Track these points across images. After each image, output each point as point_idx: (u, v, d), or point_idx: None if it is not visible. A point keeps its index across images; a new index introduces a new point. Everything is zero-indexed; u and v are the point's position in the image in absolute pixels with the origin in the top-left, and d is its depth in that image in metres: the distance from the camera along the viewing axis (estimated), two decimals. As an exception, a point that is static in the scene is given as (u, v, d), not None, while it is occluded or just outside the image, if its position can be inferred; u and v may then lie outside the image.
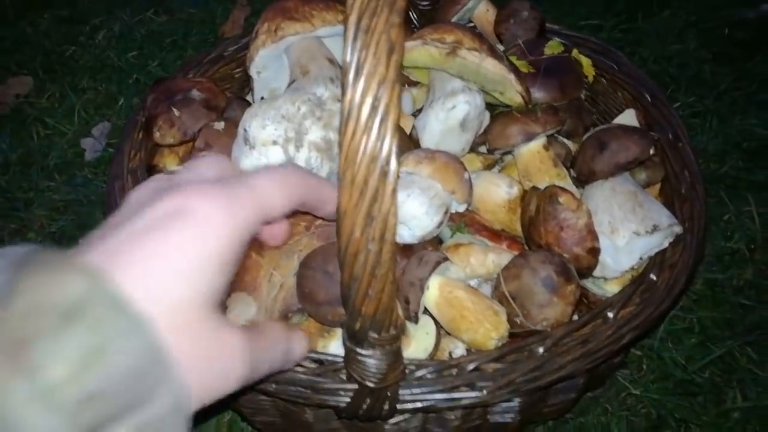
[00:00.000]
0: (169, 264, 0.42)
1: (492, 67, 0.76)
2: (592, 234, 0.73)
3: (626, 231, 0.75)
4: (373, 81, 0.49)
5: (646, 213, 0.75)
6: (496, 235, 0.80)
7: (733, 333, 1.15)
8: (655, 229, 0.75)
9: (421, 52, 0.77)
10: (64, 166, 1.47)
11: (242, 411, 0.85)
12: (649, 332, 1.08)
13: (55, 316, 0.36)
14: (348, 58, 0.49)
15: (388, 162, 0.50)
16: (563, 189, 0.74)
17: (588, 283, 0.82)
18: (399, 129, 0.50)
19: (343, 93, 0.49)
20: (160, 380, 0.38)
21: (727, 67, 1.55)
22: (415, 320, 0.74)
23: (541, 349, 0.71)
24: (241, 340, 0.48)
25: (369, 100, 0.49)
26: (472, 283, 0.77)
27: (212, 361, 0.45)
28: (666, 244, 0.76)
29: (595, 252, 0.74)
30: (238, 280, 0.73)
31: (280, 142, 0.73)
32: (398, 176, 0.51)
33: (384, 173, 0.50)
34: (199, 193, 0.46)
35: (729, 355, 1.14)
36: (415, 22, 1.02)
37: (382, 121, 0.49)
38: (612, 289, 0.80)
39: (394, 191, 0.51)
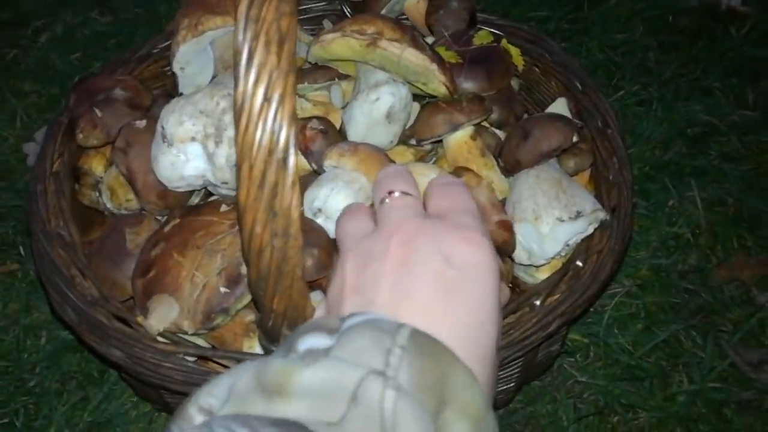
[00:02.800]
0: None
1: (413, 57, 0.76)
2: (496, 207, 0.73)
3: (549, 217, 0.75)
4: (264, 72, 0.48)
5: (569, 199, 0.75)
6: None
7: (678, 317, 1.16)
8: (578, 215, 0.75)
9: (340, 44, 0.76)
10: (6, 171, 1.44)
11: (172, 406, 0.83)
12: (580, 318, 1.09)
13: (453, 412, 0.37)
14: (238, 49, 0.48)
15: (285, 154, 0.49)
16: (466, 169, 0.74)
17: (520, 272, 0.82)
18: (296, 120, 0.49)
19: (236, 85, 0.48)
20: None
21: (672, 55, 1.56)
22: None
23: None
24: None
25: (261, 92, 0.48)
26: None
27: None
28: (591, 230, 0.76)
29: (504, 225, 0.73)
30: (159, 282, 0.71)
31: (198, 138, 0.71)
32: (297, 168, 0.50)
33: (282, 166, 0.49)
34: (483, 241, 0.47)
35: (674, 340, 1.15)
36: (349, 15, 1.01)
37: (277, 112, 0.48)
38: (543, 276, 0.80)
39: (295, 184, 0.50)
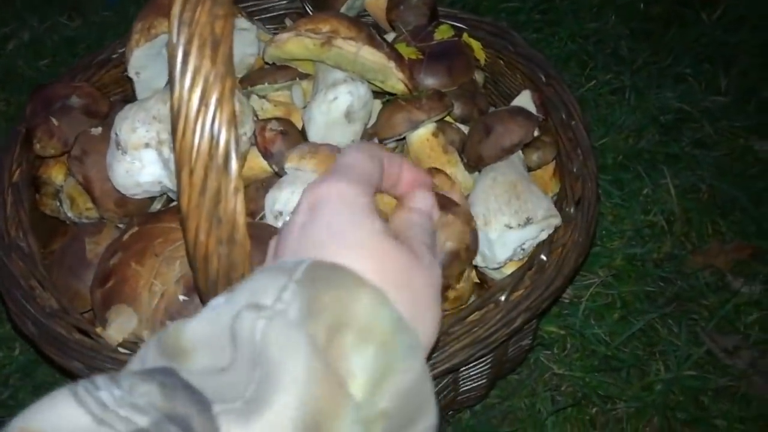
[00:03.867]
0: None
1: (370, 55, 0.75)
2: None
3: (498, 224, 0.74)
4: (199, 76, 0.47)
5: (521, 205, 0.74)
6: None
7: (654, 306, 1.16)
8: (528, 221, 0.74)
9: (295, 43, 0.75)
10: (-25, 182, 1.41)
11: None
12: (549, 311, 1.09)
13: (355, 335, 0.36)
14: (172, 53, 0.47)
15: (226, 159, 0.48)
16: (437, 170, 0.74)
17: (487, 270, 0.81)
18: (234, 123, 0.48)
19: (171, 90, 0.47)
20: (426, 401, 0.39)
21: (644, 42, 1.56)
22: None
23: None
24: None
25: (197, 96, 0.47)
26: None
27: None
28: (544, 236, 0.76)
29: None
30: (117, 292, 0.70)
31: (152, 144, 0.70)
32: (238, 174, 0.49)
33: (224, 171, 0.48)
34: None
35: (650, 328, 1.14)
36: (311, 13, 1.00)
37: (214, 116, 0.47)
38: (509, 272, 0.79)
39: (238, 189, 0.49)
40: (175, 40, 0.47)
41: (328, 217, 0.45)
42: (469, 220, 0.71)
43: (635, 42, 1.56)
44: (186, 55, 0.47)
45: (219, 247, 0.50)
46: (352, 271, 0.40)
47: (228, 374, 0.35)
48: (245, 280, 0.41)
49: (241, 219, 0.51)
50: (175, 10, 0.47)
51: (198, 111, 0.47)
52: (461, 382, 0.84)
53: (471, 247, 0.70)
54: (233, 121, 0.48)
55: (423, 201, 0.54)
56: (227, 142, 0.48)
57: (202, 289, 0.53)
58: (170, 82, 0.47)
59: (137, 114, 0.71)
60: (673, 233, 1.24)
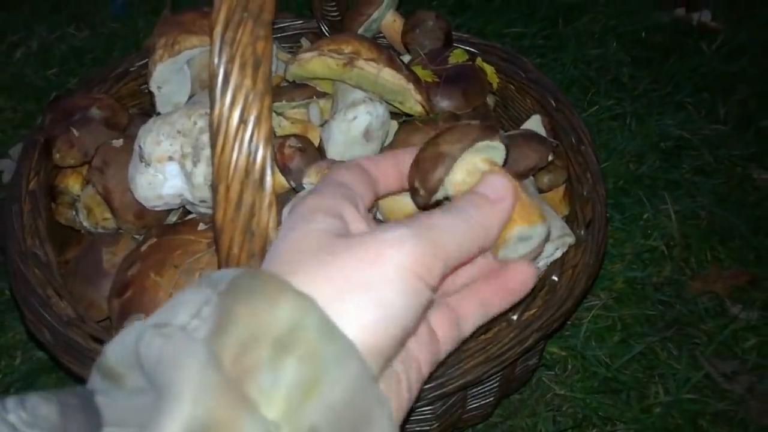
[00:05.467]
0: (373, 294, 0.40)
1: (390, 77, 0.77)
2: None
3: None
4: (240, 94, 0.48)
5: None
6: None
7: (654, 329, 1.17)
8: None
9: (318, 63, 0.77)
10: (-20, 188, 1.42)
11: None
12: (558, 332, 1.10)
13: (269, 348, 0.34)
14: (214, 72, 0.48)
15: (262, 175, 0.50)
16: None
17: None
18: (271, 141, 0.49)
19: (211, 107, 0.48)
20: (370, 411, 0.36)
21: (645, 70, 1.59)
22: None
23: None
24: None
25: (237, 113, 0.48)
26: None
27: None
28: (559, 254, 0.77)
29: None
30: (136, 302, 0.71)
31: (176, 157, 0.72)
32: (274, 189, 0.50)
33: (259, 186, 0.50)
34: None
35: (650, 351, 1.16)
36: (326, 33, 1.02)
37: (253, 133, 0.49)
38: (520, 292, 0.80)
39: (272, 205, 0.51)
40: (216, 59, 0.49)
41: (285, 230, 0.45)
42: None
43: (636, 69, 1.60)
44: (227, 73, 0.48)
45: (251, 260, 0.52)
46: (277, 277, 0.37)
47: (138, 397, 0.34)
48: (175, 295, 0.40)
49: (274, 233, 0.52)
50: (218, 29, 0.49)
51: (237, 128, 0.48)
52: (469, 400, 0.85)
53: None
54: (270, 139, 0.50)
55: (489, 187, 0.49)
56: (264, 159, 0.49)
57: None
58: (210, 99, 0.48)
59: (162, 127, 0.72)
60: (672, 258, 1.26)
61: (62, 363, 0.72)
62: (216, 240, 0.51)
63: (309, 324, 0.35)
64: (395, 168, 0.55)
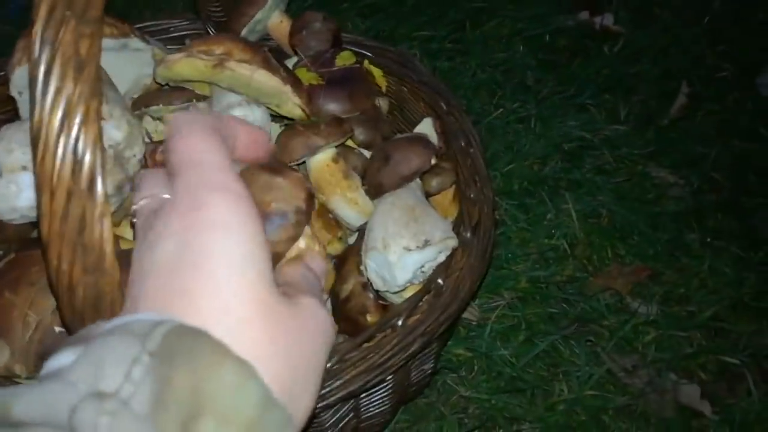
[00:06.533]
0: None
1: (265, 79, 0.74)
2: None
3: (397, 246, 0.75)
4: (60, 97, 0.45)
5: (419, 228, 0.75)
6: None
7: (557, 327, 1.19)
8: (426, 243, 0.75)
9: (185, 64, 0.74)
10: None
11: None
12: (452, 335, 1.09)
13: (214, 423, 0.32)
14: (32, 74, 0.45)
15: (91, 183, 0.46)
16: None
17: (388, 294, 0.81)
18: (99, 146, 0.46)
19: (31, 111, 0.45)
20: None
21: (550, 73, 1.62)
22: None
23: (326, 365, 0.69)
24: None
25: (58, 118, 0.45)
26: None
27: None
28: (442, 258, 0.77)
29: None
30: (-11, 322, 0.66)
31: (30, 167, 0.67)
32: (106, 198, 0.47)
33: (88, 196, 0.46)
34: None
35: (554, 349, 1.17)
36: (212, 34, 0.99)
37: (77, 138, 0.45)
38: (408, 295, 0.79)
39: (104, 215, 0.47)
40: (36, 58, 0.45)
41: (203, 249, 0.40)
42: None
43: (541, 72, 1.62)
44: (47, 75, 0.45)
45: (85, 276, 0.48)
46: (216, 340, 0.35)
47: None
48: (92, 343, 0.35)
49: (109, 246, 0.48)
50: (38, 27, 0.45)
51: (59, 133, 0.45)
52: (362, 409, 0.83)
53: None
54: (98, 144, 0.46)
55: (318, 264, 0.54)
56: (92, 166, 0.46)
57: (67, 321, 0.50)
58: (30, 102, 0.45)
59: (15, 135, 0.68)
60: (575, 256, 1.28)
61: None
62: (43, 255, 0.47)
63: (250, 394, 0.34)
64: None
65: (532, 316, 1.20)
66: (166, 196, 0.46)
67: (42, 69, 0.45)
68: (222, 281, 0.39)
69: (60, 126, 0.45)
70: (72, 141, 0.45)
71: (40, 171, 0.45)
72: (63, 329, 0.66)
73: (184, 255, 0.41)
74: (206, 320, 0.37)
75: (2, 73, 0.92)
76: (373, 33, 1.70)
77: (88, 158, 0.46)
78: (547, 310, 1.20)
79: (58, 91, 0.45)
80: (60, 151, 0.45)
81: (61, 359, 0.35)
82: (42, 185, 0.45)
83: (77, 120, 0.45)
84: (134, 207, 0.47)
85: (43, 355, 0.66)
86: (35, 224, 0.78)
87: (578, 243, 1.30)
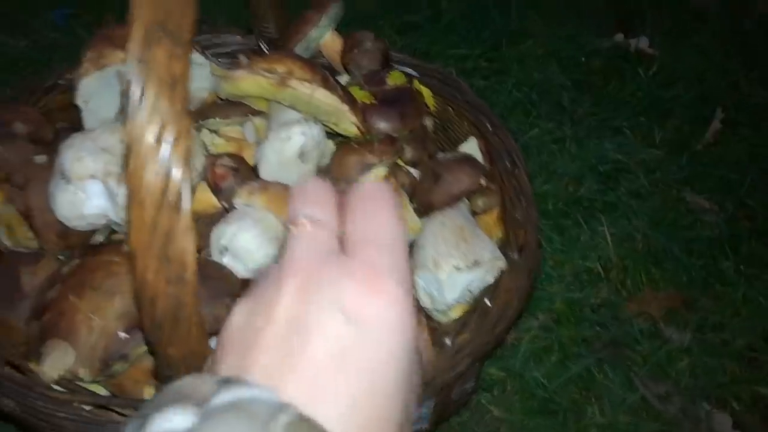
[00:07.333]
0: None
1: (324, 98, 0.76)
2: None
3: (447, 265, 0.76)
4: (155, 114, 0.47)
5: (469, 248, 0.77)
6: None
7: (591, 350, 1.19)
8: (476, 264, 0.76)
9: (249, 82, 0.76)
10: None
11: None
12: (490, 355, 1.10)
13: None
14: (128, 91, 0.47)
15: (178, 198, 0.48)
16: None
17: (435, 312, 0.82)
18: (189, 163, 0.48)
19: (125, 126, 0.47)
20: None
21: (585, 94, 1.63)
22: None
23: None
24: None
25: (152, 133, 0.47)
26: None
27: None
28: (490, 279, 0.78)
29: None
30: (54, 326, 0.68)
31: (99, 175, 0.69)
32: (190, 213, 0.49)
33: (175, 210, 0.48)
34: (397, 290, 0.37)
35: (587, 373, 1.17)
36: (265, 51, 1.01)
37: (169, 155, 0.47)
38: (454, 314, 0.80)
39: (189, 229, 0.49)
40: (131, 77, 0.47)
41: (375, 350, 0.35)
42: None
43: (576, 93, 1.63)
44: (142, 93, 0.47)
45: (167, 286, 0.50)
46: None
47: None
48: (209, 420, 0.31)
49: (191, 258, 0.50)
50: (134, 47, 0.47)
51: (152, 149, 0.47)
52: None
53: None
54: (188, 161, 0.48)
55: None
56: (181, 182, 0.48)
57: (147, 329, 0.52)
58: (124, 118, 0.47)
59: (84, 143, 0.70)
60: (609, 279, 1.29)
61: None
62: (130, 265, 0.49)
63: None
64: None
65: (565, 338, 1.20)
66: (334, 241, 0.41)
67: (137, 87, 0.47)
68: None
69: (154, 143, 0.46)
70: (164, 158, 0.47)
71: (131, 184, 0.47)
72: (127, 335, 0.68)
73: (344, 344, 0.35)
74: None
75: (61, 82, 0.95)
76: (409, 50, 1.72)
77: (177, 175, 0.47)
78: (580, 333, 1.21)
79: (153, 109, 0.46)
80: (152, 167, 0.47)
81: (174, 423, 0.31)
82: (133, 198, 0.47)
83: (170, 138, 0.47)
84: (293, 224, 0.41)
85: (107, 360, 0.68)
86: (98, 230, 0.80)
87: (612, 266, 1.30)
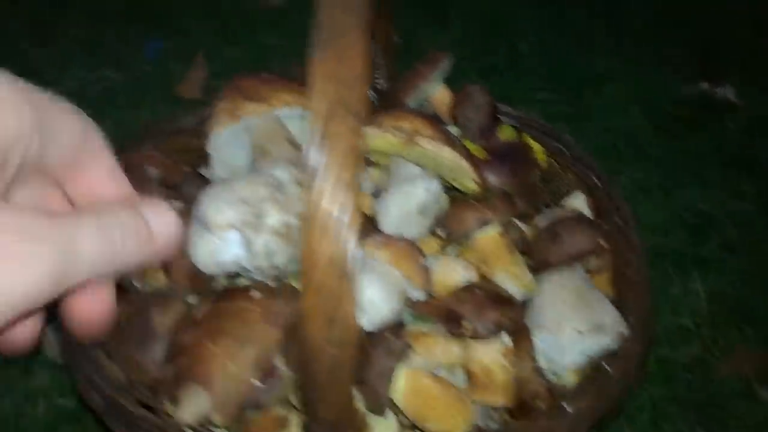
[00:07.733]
0: None
1: (449, 155, 0.78)
2: None
3: (570, 329, 0.76)
4: (335, 186, 0.49)
5: (591, 312, 0.77)
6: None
7: (683, 410, 1.17)
8: (598, 328, 0.76)
9: (380, 139, 0.78)
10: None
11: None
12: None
13: None
14: (310, 163, 0.49)
15: (350, 266, 0.50)
16: None
17: (550, 375, 0.82)
18: (358, 233, 0.50)
19: (307, 197, 0.49)
20: None
21: (671, 143, 1.62)
22: (382, 413, 0.72)
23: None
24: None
25: (330, 206, 0.49)
26: (436, 372, 0.77)
27: None
28: (612, 344, 0.77)
29: None
30: (190, 371, 0.70)
31: (237, 225, 0.72)
32: (357, 280, 0.51)
33: (345, 278, 0.50)
34: None
35: (680, 433, 1.15)
36: (374, 101, 1.04)
37: (344, 226, 0.49)
38: (570, 378, 0.80)
39: (352, 295, 0.51)
40: (313, 149, 0.49)
41: None
42: None
43: (662, 141, 1.62)
44: (324, 166, 0.49)
45: (330, 348, 0.52)
46: None
47: None
48: None
49: (354, 322, 0.52)
50: (318, 121, 0.49)
51: (330, 221, 0.49)
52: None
53: None
54: (358, 231, 0.50)
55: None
56: (353, 251, 0.50)
57: (303, 386, 0.54)
58: (306, 189, 0.49)
59: (223, 194, 0.73)
60: (701, 336, 1.26)
61: (111, 429, 0.71)
62: (299, 326, 0.51)
63: None
64: None
65: (657, 397, 1.18)
66: None
67: (319, 159, 0.49)
68: None
69: (333, 212, 0.49)
70: (340, 226, 0.49)
71: (309, 250, 0.49)
72: (262, 384, 0.70)
73: None
74: None
75: (187, 126, 0.99)
76: (492, 94, 1.73)
77: (350, 243, 0.50)
78: (673, 392, 1.19)
79: (335, 181, 0.49)
80: (329, 235, 0.49)
81: None
82: (309, 263, 0.49)
83: (347, 208, 0.49)
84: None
85: (242, 408, 0.70)
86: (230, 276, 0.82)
87: (704, 323, 1.28)
